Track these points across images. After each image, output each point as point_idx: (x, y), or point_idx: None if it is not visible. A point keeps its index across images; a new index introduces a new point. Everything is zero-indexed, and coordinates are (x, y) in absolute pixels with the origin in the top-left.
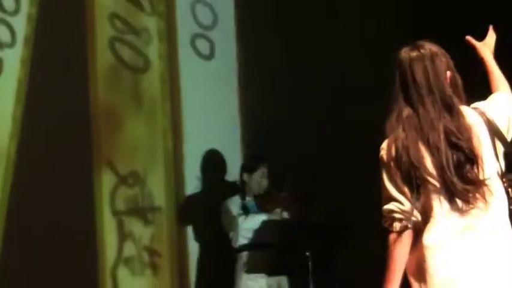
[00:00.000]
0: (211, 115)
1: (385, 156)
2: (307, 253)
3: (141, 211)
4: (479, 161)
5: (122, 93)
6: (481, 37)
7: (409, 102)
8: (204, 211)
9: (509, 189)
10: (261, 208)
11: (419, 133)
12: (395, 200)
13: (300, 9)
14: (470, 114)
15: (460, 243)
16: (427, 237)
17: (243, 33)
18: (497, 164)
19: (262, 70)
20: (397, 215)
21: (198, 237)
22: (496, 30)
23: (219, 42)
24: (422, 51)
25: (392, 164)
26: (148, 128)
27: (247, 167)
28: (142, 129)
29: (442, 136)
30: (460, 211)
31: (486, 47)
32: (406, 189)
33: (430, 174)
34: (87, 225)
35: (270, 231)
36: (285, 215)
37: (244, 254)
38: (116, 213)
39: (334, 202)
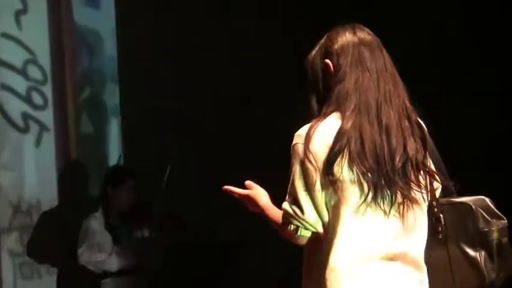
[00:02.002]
0: None
1: (301, 147)
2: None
3: None
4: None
5: None
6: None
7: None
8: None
9: (440, 216)
10: (132, 228)
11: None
12: (297, 203)
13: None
14: None
15: (376, 274)
16: (334, 256)
17: None
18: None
19: None
20: (295, 222)
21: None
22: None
23: None
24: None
25: (310, 157)
26: None
27: (113, 179)
28: None
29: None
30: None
31: None
32: (315, 193)
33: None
34: None
35: (145, 254)
36: (159, 235)
37: (113, 281)
38: None
39: (207, 222)
